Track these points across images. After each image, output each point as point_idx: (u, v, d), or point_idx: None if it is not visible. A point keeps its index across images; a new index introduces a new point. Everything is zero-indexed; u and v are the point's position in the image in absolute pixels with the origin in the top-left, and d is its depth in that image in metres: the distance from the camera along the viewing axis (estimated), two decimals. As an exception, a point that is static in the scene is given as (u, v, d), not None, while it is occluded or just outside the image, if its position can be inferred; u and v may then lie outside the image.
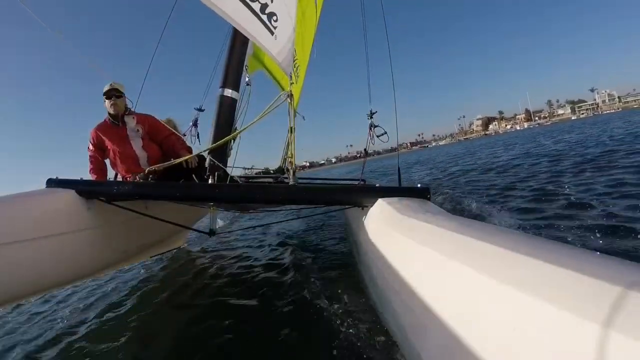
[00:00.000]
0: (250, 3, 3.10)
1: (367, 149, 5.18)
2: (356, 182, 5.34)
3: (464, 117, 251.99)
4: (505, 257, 1.28)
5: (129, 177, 4.16)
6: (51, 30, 3.48)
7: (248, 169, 6.68)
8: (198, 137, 6.10)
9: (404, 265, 1.88)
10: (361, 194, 3.23)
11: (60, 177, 3.32)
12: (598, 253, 1.24)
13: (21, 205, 2.91)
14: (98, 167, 4.24)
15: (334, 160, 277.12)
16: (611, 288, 0.90)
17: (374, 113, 5.08)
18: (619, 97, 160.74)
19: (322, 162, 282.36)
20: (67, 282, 3.50)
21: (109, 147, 4.20)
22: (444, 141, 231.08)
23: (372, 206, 2.96)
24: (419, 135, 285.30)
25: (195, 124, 6.50)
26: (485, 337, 1.14)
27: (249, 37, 3.27)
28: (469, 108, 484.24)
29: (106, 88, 4.01)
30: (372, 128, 5.02)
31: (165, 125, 4.36)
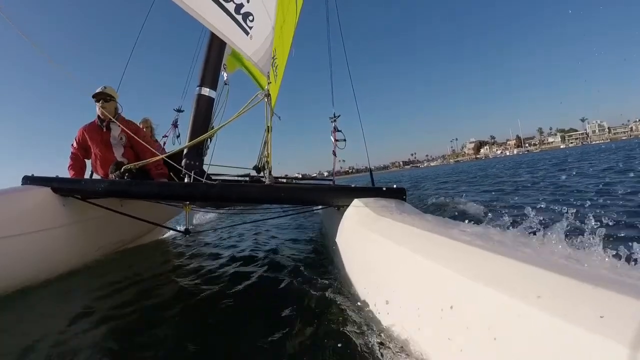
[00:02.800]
0: (224, 3, 3.10)
1: (335, 150, 5.21)
2: (329, 183, 5.38)
3: (456, 139, 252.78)
4: (475, 253, 1.34)
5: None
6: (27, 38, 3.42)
7: (224, 166, 6.70)
8: (179, 138, 6.08)
9: (380, 264, 1.91)
10: (337, 194, 3.27)
11: (36, 174, 3.30)
12: (568, 250, 1.30)
13: None
14: (77, 164, 4.23)
15: (325, 173, 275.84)
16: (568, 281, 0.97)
17: (337, 116, 5.11)
18: (608, 128, 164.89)
19: (314, 174, 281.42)
20: (40, 280, 3.46)
21: (92, 150, 4.19)
22: (435, 162, 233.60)
23: (348, 206, 3.00)
24: (412, 155, 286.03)
25: (175, 125, 6.48)
26: (448, 325, 1.19)
27: (221, 37, 3.27)
28: (462, 131, 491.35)
29: (96, 90, 4.02)
30: (335, 131, 5.05)
31: (145, 140, 4.27)
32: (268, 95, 3.73)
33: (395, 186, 3.24)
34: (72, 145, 4.21)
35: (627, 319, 0.77)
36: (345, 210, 3.01)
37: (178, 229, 5.21)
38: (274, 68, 4.48)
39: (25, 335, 2.52)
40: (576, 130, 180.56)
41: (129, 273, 5.06)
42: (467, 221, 2.19)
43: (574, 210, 2.51)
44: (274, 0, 3.88)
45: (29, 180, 3.27)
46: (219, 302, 3.42)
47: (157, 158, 3.85)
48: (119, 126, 4.16)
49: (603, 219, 2.07)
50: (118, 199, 3.88)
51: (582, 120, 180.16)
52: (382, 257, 1.93)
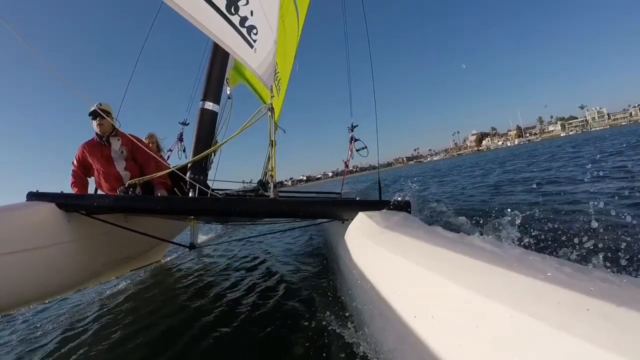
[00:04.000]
0: (229, 17, 3.11)
1: (347, 162, 5.21)
2: (335, 196, 5.36)
3: (458, 132, 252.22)
4: (482, 269, 1.31)
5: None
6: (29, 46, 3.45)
7: (228, 182, 6.71)
8: (185, 152, 6.10)
9: (384, 278, 1.89)
10: (342, 208, 3.24)
11: (41, 190, 3.30)
12: (576, 265, 1.27)
13: (0, 218, 2.87)
14: (79, 181, 4.22)
15: (330, 174, 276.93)
16: (581, 298, 0.94)
17: (355, 126, 5.12)
18: (608, 115, 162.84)
19: (319, 176, 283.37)
20: (45, 296, 3.44)
21: (93, 166, 4.19)
22: (438, 156, 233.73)
23: (352, 219, 2.97)
24: (415, 150, 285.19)
25: (180, 139, 6.52)
26: (454, 342, 1.16)
27: (228, 50, 3.28)
28: (464, 124, 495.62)
29: (92, 108, 3.98)
30: (353, 141, 5.05)
31: (147, 150, 4.29)
32: (271, 109, 3.72)
33: (400, 199, 3.22)
34: (73, 163, 4.21)
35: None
36: (349, 224, 2.98)
37: (183, 244, 5.20)
38: (277, 82, 4.49)
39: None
40: (576, 118, 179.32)
41: (134, 290, 5.09)
42: (478, 234, 2.16)
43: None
44: (276, 14, 3.89)
45: (33, 196, 3.27)
46: (222, 320, 3.41)
47: (164, 172, 3.86)
48: (119, 140, 4.17)
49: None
50: (123, 214, 3.87)
51: (582, 107, 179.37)
52: (387, 271, 1.90)
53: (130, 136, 4.11)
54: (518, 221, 3.16)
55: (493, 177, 13.77)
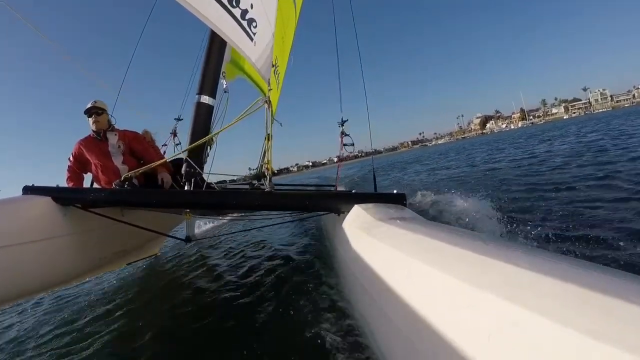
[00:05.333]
0: (231, 9, 3.11)
1: (340, 156, 5.20)
2: (331, 189, 5.37)
3: (462, 116, 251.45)
4: (476, 261, 1.32)
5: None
6: (47, 39, 3.45)
7: (224, 174, 6.72)
8: (180, 146, 6.12)
9: (379, 270, 1.90)
10: (338, 200, 3.26)
11: (37, 184, 3.29)
12: (570, 256, 1.28)
13: None
14: (75, 176, 4.23)
15: (335, 159, 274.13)
16: (579, 291, 0.95)
17: (345, 121, 5.10)
18: (611, 96, 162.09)
19: (325, 161, 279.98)
20: (42, 290, 3.44)
21: (91, 161, 4.20)
22: (442, 140, 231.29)
23: (348, 212, 2.99)
24: (420, 134, 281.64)
25: (174, 134, 6.52)
26: (447, 333, 1.16)
27: (230, 43, 3.28)
28: (469, 106, 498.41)
29: (87, 106, 4.06)
30: (342, 136, 5.04)
31: (144, 138, 4.33)
32: (269, 101, 3.72)
33: (395, 191, 3.25)
34: (69, 159, 4.22)
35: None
36: (345, 216, 3.00)
37: (179, 237, 5.21)
38: (276, 75, 4.48)
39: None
40: (579, 100, 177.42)
41: (130, 283, 5.10)
42: (471, 227, 2.18)
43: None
44: (274, 7, 3.89)
45: (29, 190, 3.26)
46: (222, 307, 3.43)
47: (159, 162, 3.86)
48: (116, 135, 4.20)
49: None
50: (119, 207, 3.87)
51: (584, 89, 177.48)
52: (381, 263, 1.92)
53: (126, 131, 4.20)
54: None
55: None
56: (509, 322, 0.98)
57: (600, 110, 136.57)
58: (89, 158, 4.18)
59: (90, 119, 4.08)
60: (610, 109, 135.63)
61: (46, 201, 3.17)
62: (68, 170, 4.23)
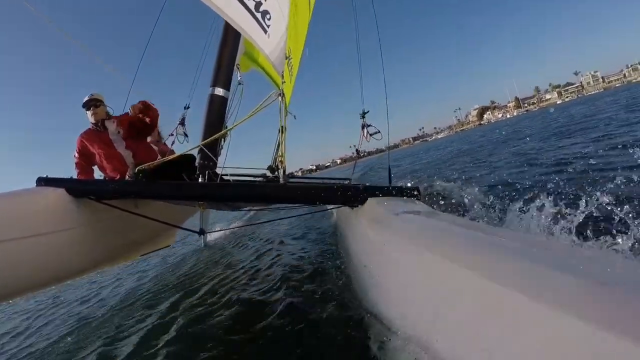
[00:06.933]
0: (245, 1, 3.10)
1: (359, 149, 5.17)
2: (345, 182, 5.35)
3: (459, 109, 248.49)
4: (491, 255, 1.30)
5: (117, 178, 4.23)
6: (57, 28, 3.47)
7: (238, 168, 6.70)
8: (186, 136, 6.10)
9: (392, 263, 1.88)
10: (351, 193, 3.23)
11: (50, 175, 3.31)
12: (586, 247, 1.25)
13: (10, 203, 2.86)
14: (84, 171, 4.34)
15: (338, 161, 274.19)
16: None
17: (366, 113, 5.07)
18: (602, 78, 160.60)
19: (328, 164, 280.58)
20: (56, 281, 3.46)
21: (94, 152, 4.29)
22: (442, 134, 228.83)
23: (362, 205, 2.97)
24: (420, 129, 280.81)
25: (182, 123, 6.50)
26: (465, 329, 1.15)
27: (245, 35, 3.26)
28: (465, 99, 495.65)
29: (85, 99, 4.22)
30: (365, 127, 5.01)
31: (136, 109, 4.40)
32: (282, 94, 3.69)
33: (410, 185, 3.22)
34: (74, 155, 4.32)
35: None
36: (359, 210, 2.98)
37: (193, 229, 5.23)
38: (290, 68, 4.45)
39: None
40: (572, 84, 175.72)
41: (146, 275, 5.15)
42: (486, 219, 2.14)
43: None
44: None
45: (43, 181, 3.27)
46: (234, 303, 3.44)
47: (175, 156, 3.85)
48: (114, 122, 4.32)
49: None
50: (132, 199, 3.89)
51: (576, 73, 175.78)
52: (394, 256, 1.90)
53: (121, 116, 4.40)
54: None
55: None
56: (525, 316, 0.97)
57: (592, 92, 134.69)
58: (92, 150, 4.27)
59: (88, 111, 4.22)
60: (602, 90, 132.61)
61: (60, 193, 3.17)
62: (76, 167, 4.33)
